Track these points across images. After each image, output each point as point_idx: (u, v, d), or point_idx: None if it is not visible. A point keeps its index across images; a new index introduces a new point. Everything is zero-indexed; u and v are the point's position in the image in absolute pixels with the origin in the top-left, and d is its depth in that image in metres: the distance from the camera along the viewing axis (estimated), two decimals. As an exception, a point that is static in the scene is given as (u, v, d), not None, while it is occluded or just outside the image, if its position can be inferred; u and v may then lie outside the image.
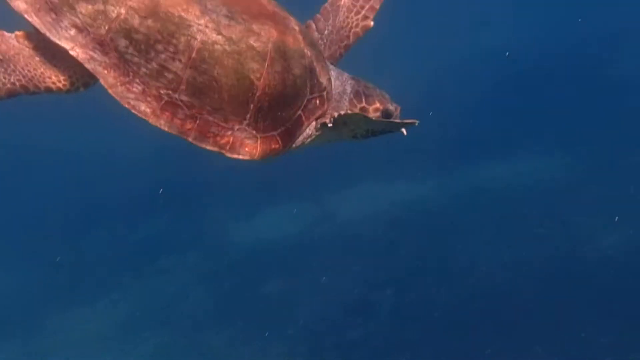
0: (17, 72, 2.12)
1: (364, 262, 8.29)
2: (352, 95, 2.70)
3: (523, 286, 7.53)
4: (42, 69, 2.15)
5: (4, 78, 2.10)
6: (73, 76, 2.17)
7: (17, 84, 2.11)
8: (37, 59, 2.15)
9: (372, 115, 2.70)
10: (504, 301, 7.34)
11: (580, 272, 7.75)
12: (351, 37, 2.87)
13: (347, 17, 2.88)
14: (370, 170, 9.88)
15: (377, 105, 2.73)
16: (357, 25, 2.86)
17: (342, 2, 2.86)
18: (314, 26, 2.88)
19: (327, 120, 2.50)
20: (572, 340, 6.64)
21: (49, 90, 2.16)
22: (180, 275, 8.92)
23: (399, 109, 2.80)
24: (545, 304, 7.17)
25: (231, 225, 9.81)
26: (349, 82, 2.75)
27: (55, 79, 2.15)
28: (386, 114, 2.76)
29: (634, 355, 6.25)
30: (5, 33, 2.17)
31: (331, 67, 2.75)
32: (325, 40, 2.89)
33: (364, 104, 2.71)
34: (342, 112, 2.50)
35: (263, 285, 8.52)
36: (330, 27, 2.90)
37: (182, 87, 2.18)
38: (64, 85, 2.17)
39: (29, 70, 2.13)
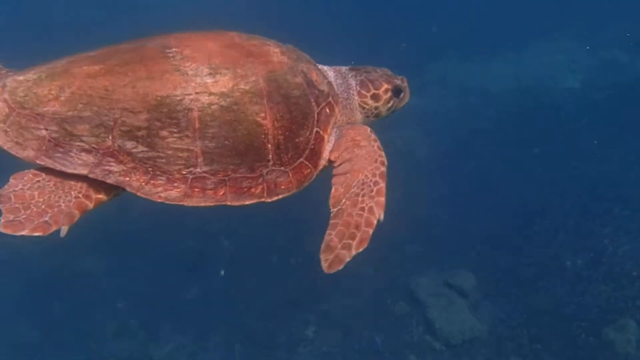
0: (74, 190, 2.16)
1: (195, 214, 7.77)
2: (358, 88, 2.71)
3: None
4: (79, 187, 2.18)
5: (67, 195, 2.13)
6: (107, 189, 2.19)
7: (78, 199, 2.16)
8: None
9: (384, 96, 2.75)
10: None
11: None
12: None
13: None
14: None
15: (386, 86, 2.76)
16: None
17: None
18: None
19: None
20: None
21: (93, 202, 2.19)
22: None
23: (405, 80, 2.84)
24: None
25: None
26: (350, 74, 2.75)
27: (95, 195, 2.18)
28: (397, 90, 2.80)
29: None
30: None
31: (326, 67, 2.72)
32: None
33: (372, 91, 2.72)
34: None
35: (84, 261, 7.62)
36: None
37: (200, 159, 2.17)
38: (102, 198, 2.21)
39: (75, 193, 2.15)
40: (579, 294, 6.12)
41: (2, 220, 1.99)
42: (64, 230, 2.07)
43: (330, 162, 2.50)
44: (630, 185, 7.73)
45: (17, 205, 2.04)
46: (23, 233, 1.98)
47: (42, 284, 7.24)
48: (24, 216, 2.01)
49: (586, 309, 5.92)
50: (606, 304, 5.94)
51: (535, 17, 12.59)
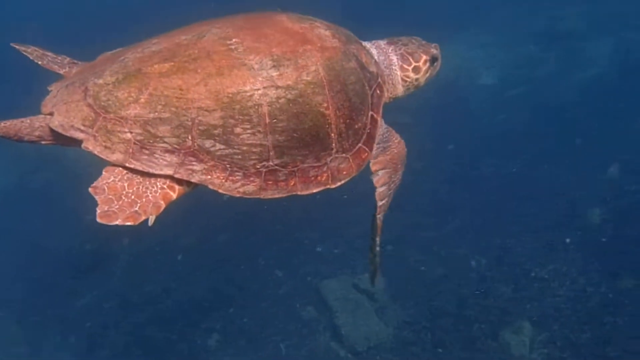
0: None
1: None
2: (400, 62, 2.82)
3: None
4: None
5: (152, 187, 2.21)
6: (188, 181, 2.25)
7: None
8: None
9: (424, 67, 2.87)
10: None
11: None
12: None
13: None
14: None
15: (425, 57, 2.87)
16: None
17: None
18: None
19: None
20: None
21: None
22: None
23: (438, 47, 2.95)
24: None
25: None
26: (389, 49, 2.85)
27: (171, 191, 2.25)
28: (433, 59, 2.91)
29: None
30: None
31: (368, 44, 2.81)
32: None
33: (413, 64, 2.83)
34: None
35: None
36: None
37: (271, 153, 2.28)
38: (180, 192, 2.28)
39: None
40: (482, 295, 6.21)
41: (98, 211, 2.07)
42: (151, 219, 2.14)
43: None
44: (540, 183, 7.94)
45: (110, 196, 2.13)
46: (116, 223, 2.06)
47: None
48: (117, 207, 2.11)
49: (487, 310, 6.01)
50: (505, 305, 6.06)
51: (455, 11, 12.68)
